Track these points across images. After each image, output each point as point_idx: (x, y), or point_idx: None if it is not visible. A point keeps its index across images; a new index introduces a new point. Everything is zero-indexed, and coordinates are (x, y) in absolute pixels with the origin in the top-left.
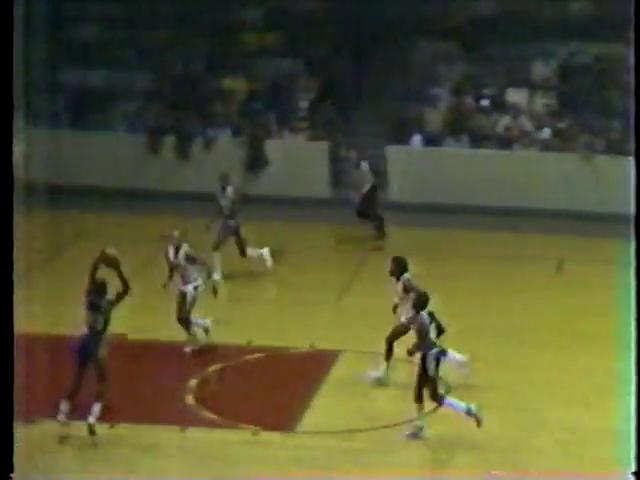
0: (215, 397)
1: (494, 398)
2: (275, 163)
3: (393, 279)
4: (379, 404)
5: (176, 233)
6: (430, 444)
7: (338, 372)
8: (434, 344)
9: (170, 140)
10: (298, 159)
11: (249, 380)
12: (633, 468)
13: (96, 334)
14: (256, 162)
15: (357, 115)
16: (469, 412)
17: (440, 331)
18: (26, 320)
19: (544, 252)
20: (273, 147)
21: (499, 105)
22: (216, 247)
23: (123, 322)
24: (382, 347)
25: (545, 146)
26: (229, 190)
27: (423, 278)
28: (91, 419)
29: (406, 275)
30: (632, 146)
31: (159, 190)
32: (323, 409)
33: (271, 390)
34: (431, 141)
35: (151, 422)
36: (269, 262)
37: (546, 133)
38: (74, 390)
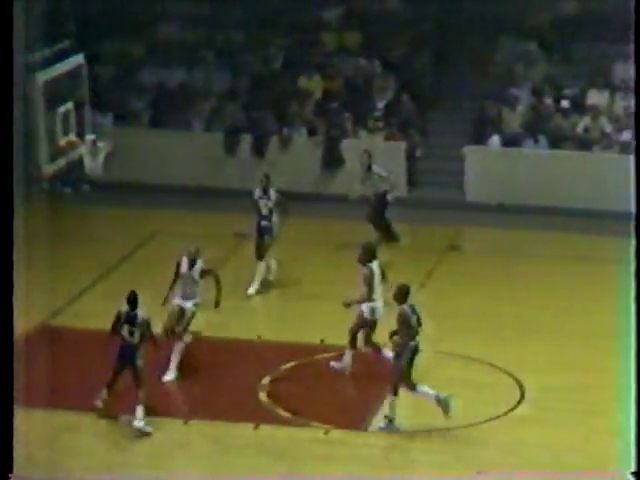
0: (288, 395)
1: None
2: (351, 162)
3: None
4: (453, 404)
5: (192, 249)
6: (504, 446)
7: None
8: (414, 337)
9: (246, 139)
10: (375, 159)
11: (321, 379)
12: (633, 468)
13: (133, 345)
14: (332, 161)
15: (435, 115)
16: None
17: (418, 324)
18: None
19: (620, 255)
20: (349, 146)
21: (579, 106)
22: (262, 256)
23: (197, 320)
24: (455, 347)
25: (624, 148)
26: (272, 192)
27: (497, 278)
28: (137, 422)
29: (370, 265)
30: (633, 146)
31: (235, 189)
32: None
33: (343, 389)
34: (509, 142)
35: (225, 419)
36: (273, 274)
37: (626, 135)
38: (112, 383)
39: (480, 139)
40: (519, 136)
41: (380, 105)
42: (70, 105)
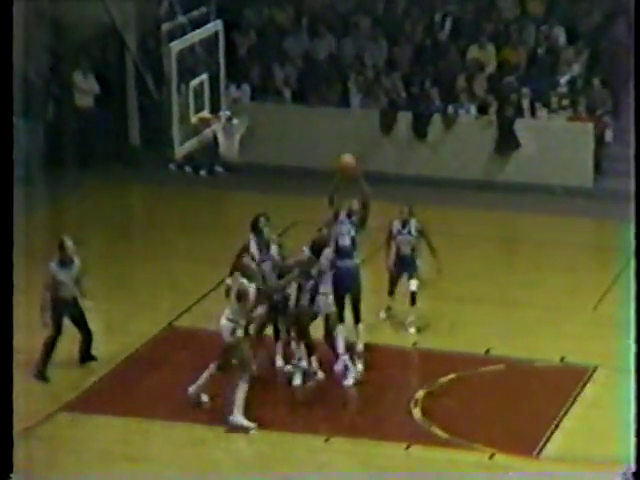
0: (445, 412)
1: None
2: (527, 146)
3: None
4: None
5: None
6: None
7: (592, 391)
8: None
9: (406, 118)
10: (556, 142)
11: (485, 395)
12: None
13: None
14: (505, 144)
15: (626, 94)
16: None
17: None
18: None
19: None
20: (525, 127)
21: None
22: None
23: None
24: None
25: None
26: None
27: None
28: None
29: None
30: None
31: (392, 173)
32: (572, 433)
33: (511, 407)
34: None
35: (373, 437)
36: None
37: None
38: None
39: None
40: None
41: (564, 81)
42: (204, 77)
